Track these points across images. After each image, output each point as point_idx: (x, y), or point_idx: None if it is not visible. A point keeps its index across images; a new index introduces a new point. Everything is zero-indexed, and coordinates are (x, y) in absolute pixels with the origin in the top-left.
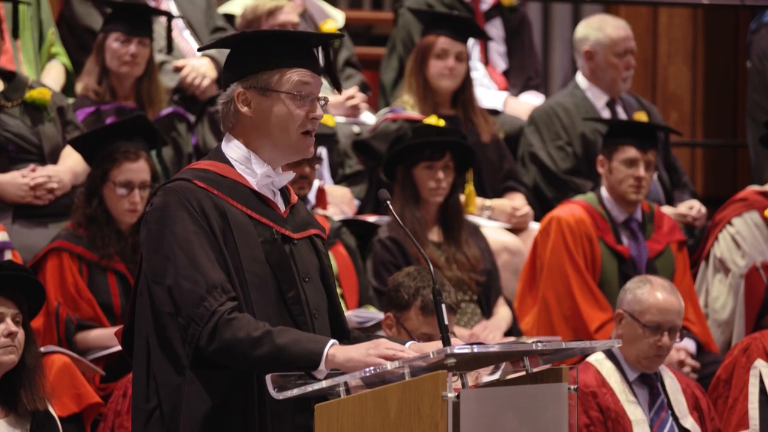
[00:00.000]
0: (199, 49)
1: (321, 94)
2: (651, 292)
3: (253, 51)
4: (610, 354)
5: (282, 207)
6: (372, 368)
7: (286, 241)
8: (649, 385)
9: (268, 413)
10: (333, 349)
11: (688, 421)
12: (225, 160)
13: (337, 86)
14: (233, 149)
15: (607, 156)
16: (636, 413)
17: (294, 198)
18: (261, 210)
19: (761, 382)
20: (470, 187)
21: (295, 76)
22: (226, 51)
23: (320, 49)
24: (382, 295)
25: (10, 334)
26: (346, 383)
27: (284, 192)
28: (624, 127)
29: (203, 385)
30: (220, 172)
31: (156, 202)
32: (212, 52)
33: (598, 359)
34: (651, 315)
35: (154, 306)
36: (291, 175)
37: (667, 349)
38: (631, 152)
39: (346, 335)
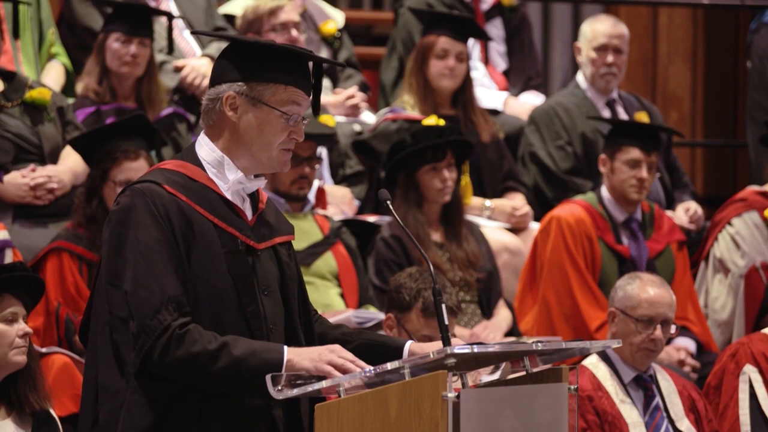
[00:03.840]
0: (193, 33)
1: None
2: (641, 287)
3: (253, 59)
4: (604, 357)
5: (249, 214)
6: (372, 369)
7: (250, 252)
8: (644, 387)
9: (211, 426)
10: (290, 354)
11: (684, 424)
12: (197, 162)
13: (315, 110)
14: (207, 151)
15: (609, 155)
16: (632, 416)
17: (263, 201)
18: (227, 218)
19: (751, 387)
20: (466, 178)
21: (289, 95)
22: None
23: (312, 68)
24: (382, 293)
25: (25, 335)
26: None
27: (253, 195)
28: (628, 128)
29: (146, 395)
30: (191, 175)
31: (123, 201)
32: (213, 52)
33: (592, 362)
34: (643, 309)
35: (108, 307)
36: (263, 181)
37: (661, 342)
38: (634, 153)
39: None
